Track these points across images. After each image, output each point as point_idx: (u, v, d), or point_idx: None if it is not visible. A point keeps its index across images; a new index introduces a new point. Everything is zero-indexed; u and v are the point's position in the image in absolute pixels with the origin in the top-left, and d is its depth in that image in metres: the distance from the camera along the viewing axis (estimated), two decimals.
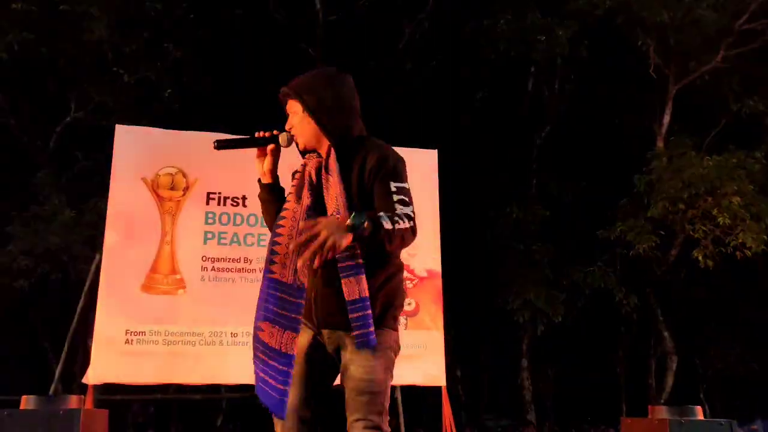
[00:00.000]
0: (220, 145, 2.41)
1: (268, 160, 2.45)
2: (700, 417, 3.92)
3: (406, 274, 6.46)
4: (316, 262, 2.05)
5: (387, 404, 2.22)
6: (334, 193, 2.26)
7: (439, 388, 6.57)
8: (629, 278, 12.83)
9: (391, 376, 2.27)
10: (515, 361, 14.58)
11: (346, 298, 2.17)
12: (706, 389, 17.70)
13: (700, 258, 11.19)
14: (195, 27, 12.88)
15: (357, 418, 2.18)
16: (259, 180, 2.52)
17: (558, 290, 12.58)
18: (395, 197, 2.19)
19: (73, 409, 3.81)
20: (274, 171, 2.48)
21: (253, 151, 2.50)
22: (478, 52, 13.38)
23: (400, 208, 2.17)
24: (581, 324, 14.55)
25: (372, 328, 2.15)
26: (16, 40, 10.46)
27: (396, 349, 2.30)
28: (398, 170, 2.27)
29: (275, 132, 2.40)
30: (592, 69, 13.49)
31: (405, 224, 2.13)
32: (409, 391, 6.94)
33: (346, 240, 2.00)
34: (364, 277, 2.17)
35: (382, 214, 2.11)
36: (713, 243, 11.18)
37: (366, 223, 2.03)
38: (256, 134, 2.42)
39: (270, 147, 2.42)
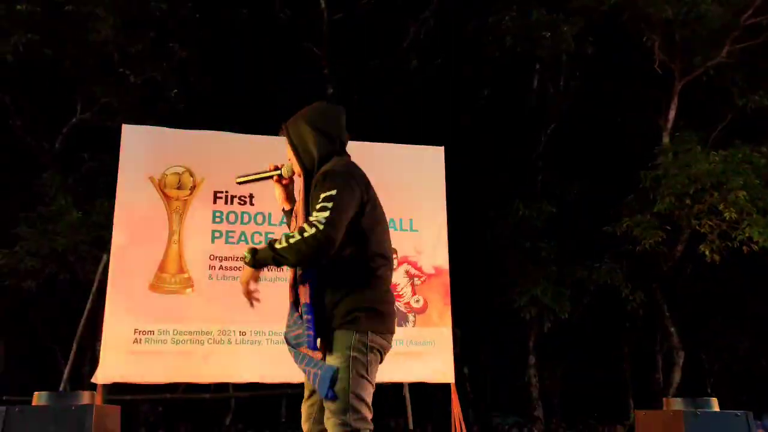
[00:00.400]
0: (241, 182, 2.74)
1: (279, 189, 2.71)
2: (716, 408, 3.85)
3: (413, 271, 6.47)
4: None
5: (356, 402, 2.29)
6: (297, 215, 2.54)
7: (447, 385, 6.57)
8: (635, 274, 12.77)
9: (360, 375, 2.32)
10: (522, 358, 14.56)
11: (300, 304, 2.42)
12: (714, 384, 17.65)
13: (706, 253, 11.15)
14: (200, 27, 12.89)
15: (327, 417, 2.33)
16: (283, 209, 2.74)
17: (564, 287, 12.55)
18: (318, 205, 2.31)
19: (85, 405, 3.75)
20: (289, 198, 2.72)
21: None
22: (482, 49, 13.35)
23: (314, 215, 2.28)
24: (587, 320, 14.52)
25: (311, 331, 2.33)
26: (21, 41, 10.45)
27: (361, 348, 2.33)
28: (331, 178, 2.35)
29: (280, 165, 2.66)
30: (598, 65, 13.44)
31: (306, 233, 2.24)
32: (418, 387, 6.94)
33: (247, 274, 2.39)
34: (309, 284, 2.38)
35: (282, 235, 2.32)
36: (719, 238, 11.13)
37: (250, 255, 2.35)
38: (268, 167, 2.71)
39: (275, 178, 2.68)
